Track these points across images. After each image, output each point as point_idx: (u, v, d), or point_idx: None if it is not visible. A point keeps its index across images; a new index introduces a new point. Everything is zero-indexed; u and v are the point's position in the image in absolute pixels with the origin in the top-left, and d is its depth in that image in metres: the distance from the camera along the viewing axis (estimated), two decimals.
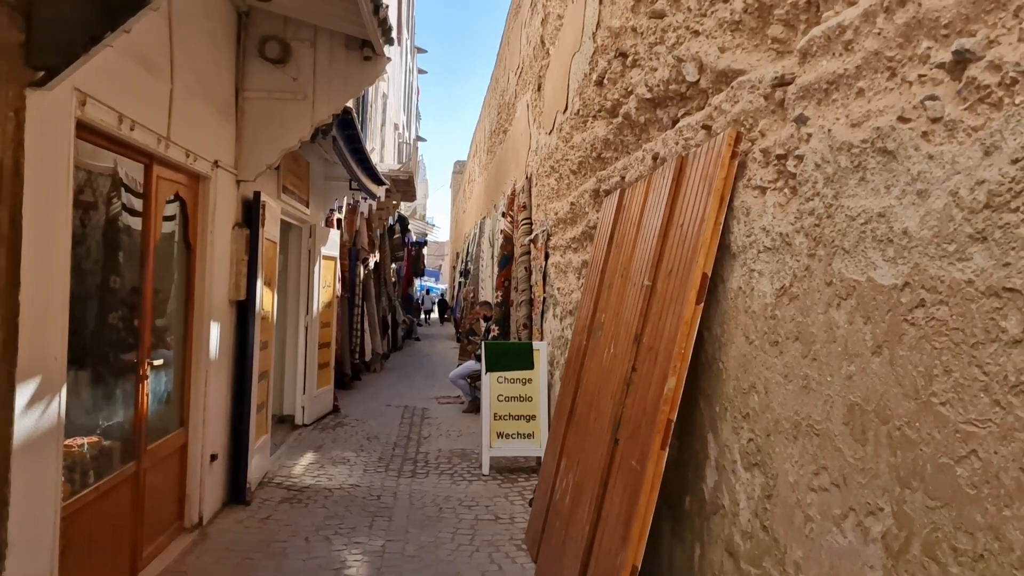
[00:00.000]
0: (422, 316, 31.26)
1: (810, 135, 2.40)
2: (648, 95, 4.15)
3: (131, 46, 3.60)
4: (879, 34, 2.03)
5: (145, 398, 4.22)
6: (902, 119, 1.92)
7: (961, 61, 1.71)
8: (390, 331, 16.65)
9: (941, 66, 1.78)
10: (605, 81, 5.23)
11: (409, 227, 20.36)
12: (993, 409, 1.56)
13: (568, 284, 6.54)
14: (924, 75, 1.85)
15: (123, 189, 3.99)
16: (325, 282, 9.39)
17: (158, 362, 4.42)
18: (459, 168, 41.93)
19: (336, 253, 9.90)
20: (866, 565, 1.97)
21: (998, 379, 1.55)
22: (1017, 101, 1.55)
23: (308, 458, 7.26)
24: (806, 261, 2.37)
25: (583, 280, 5.57)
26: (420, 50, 32.49)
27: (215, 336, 5.18)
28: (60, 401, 3.08)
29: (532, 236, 8.63)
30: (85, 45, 2.80)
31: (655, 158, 4.12)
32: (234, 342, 5.63)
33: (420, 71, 33.68)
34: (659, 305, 3.30)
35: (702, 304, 2.97)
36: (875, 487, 1.96)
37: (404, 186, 13.31)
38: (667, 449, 2.96)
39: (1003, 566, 1.51)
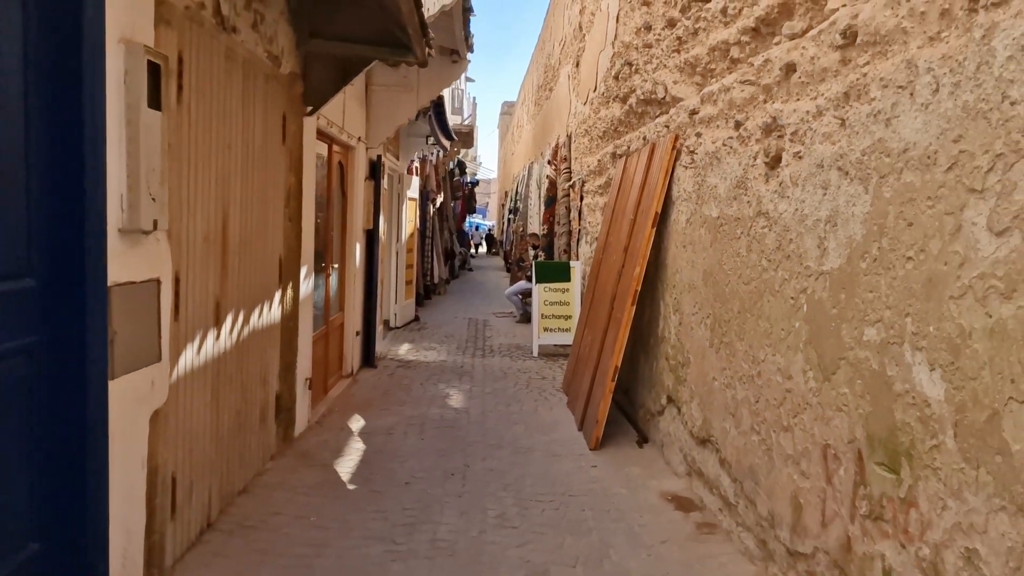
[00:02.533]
0: (473, 249, 33.99)
1: (701, 142, 4.89)
2: (642, 96, 6.61)
3: None
4: (715, 103, 4.52)
5: (328, 290, 6.91)
6: (724, 144, 4.41)
7: (740, 124, 4.19)
8: (451, 261, 19.35)
9: (736, 125, 4.26)
10: (619, 77, 7.66)
11: (466, 170, 22.87)
12: (747, 271, 4.10)
13: (596, 219, 9.05)
14: (729, 125, 4.34)
15: (318, 162, 6.61)
16: (408, 218, 12.04)
17: (335, 266, 7.12)
18: (507, 109, 43.86)
19: (416, 195, 12.53)
20: (703, 340, 4.56)
21: (745, 257, 4.09)
22: (746, 148, 4.05)
23: (406, 347, 10.02)
24: (694, 206, 4.90)
25: (602, 215, 8.09)
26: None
27: (357, 253, 7.85)
28: (309, 282, 5.77)
29: (571, 182, 11.13)
30: (328, 95, 5.38)
31: (643, 139, 6.60)
32: (365, 257, 8.31)
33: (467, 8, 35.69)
34: (636, 229, 5.84)
35: (655, 228, 5.50)
36: (708, 306, 4.53)
37: (465, 137, 15.80)
38: (635, 305, 5.54)
39: (756, 333, 4.08)
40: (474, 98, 24.60)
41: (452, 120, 15.37)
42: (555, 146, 13.05)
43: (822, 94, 3.18)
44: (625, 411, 6.45)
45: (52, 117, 2.42)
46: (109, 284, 2.66)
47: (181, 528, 3.50)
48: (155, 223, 2.89)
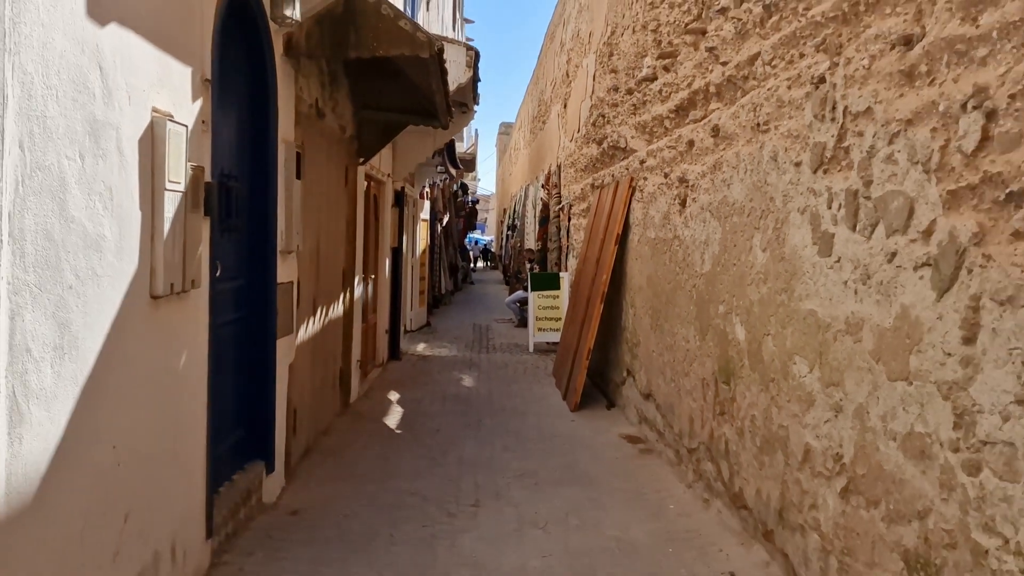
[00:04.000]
0: (472, 263, 35.93)
1: (646, 185, 6.82)
2: (611, 143, 8.55)
3: None
4: (655, 157, 6.46)
5: (367, 295, 8.81)
6: (658, 188, 6.34)
7: (667, 175, 6.12)
8: (455, 274, 21.29)
9: (665, 176, 6.19)
10: (596, 124, 9.61)
11: (468, 191, 24.85)
12: (669, 275, 6.03)
13: (579, 237, 10.97)
14: (661, 175, 6.28)
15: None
16: (421, 236, 13.97)
17: (372, 276, 9.03)
18: (504, 129, 45.94)
19: (427, 217, 14.47)
20: (647, 325, 6.47)
21: (668, 266, 6.01)
22: (670, 192, 5.99)
23: (422, 345, 11.92)
24: (642, 230, 6.83)
25: (583, 235, 10.02)
26: (468, 20, 36.57)
27: (386, 265, 9.77)
28: (360, 288, 7.67)
29: (560, 205, 13.08)
30: (375, 150, 7.32)
31: (612, 176, 8.53)
32: (391, 269, 10.22)
33: (467, 20, 37.68)
34: (604, 246, 7.76)
35: (617, 245, 7.43)
36: (650, 301, 6.45)
37: (468, 163, 17.75)
38: (603, 304, 7.46)
39: (673, 317, 6.00)
40: (476, 129, 26.59)
41: (458, 149, 17.33)
42: (548, 173, 15.01)
43: (705, 163, 5.11)
44: (598, 386, 8.36)
45: (256, 185, 4.34)
46: (279, 281, 4.58)
47: (297, 444, 5.39)
48: (297, 247, 4.81)
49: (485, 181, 64.84)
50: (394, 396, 8.01)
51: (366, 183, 8.53)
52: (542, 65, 18.27)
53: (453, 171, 14.63)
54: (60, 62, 2.23)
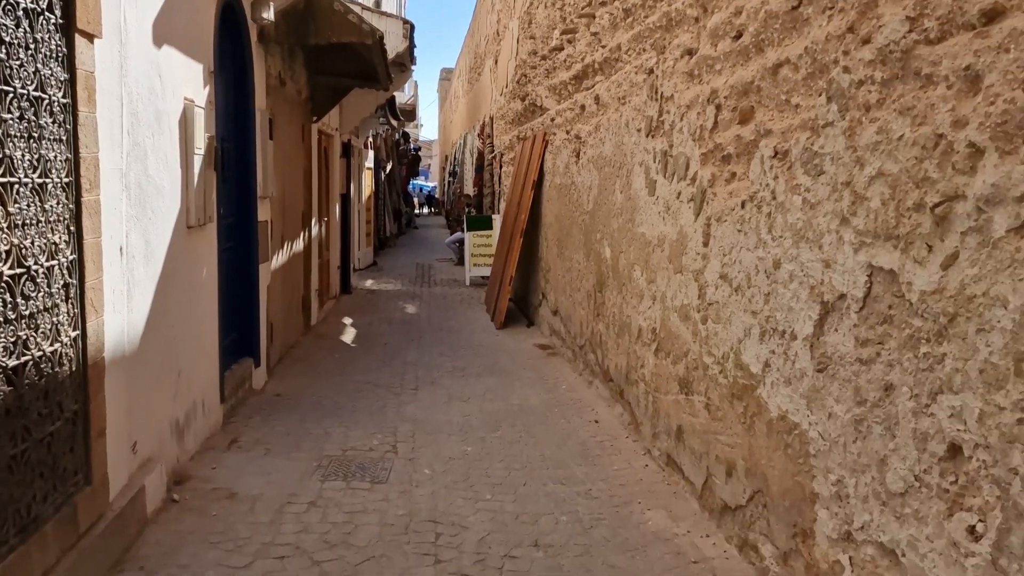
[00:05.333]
0: (416, 208, 37.05)
1: (554, 139, 8.25)
2: (530, 101, 9.93)
3: None
4: (560, 116, 7.90)
5: (320, 236, 10.11)
6: (562, 142, 7.78)
7: (568, 131, 7.57)
8: (399, 219, 22.53)
9: (567, 132, 7.63)
10: (520, 82, 10.96)
11: (410, 139, 25.91)
12: (568, 213, 7.52)
13: (509, 183, 12.38)
14: (563, 132, 7.73)
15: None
16: (367, 184, 15.19)
17: (325, 219, 10.33)
18: (445, 76, 46.64)
19: (372, 165, 15.68)
20: (555, 254, 7.99)
21: (567, 206, 7.51)
22: (569, 146, 7.46)
23: (370, 282, 13.28)
24: (551, 177, 8.30)
25: (510, 181, 11.44)
26: None
27: (336, 210, 11.05)
28: (314, 229, 8.98)
29: (493, 154, 14.44)
30: (327, 109, 8.58)
31: (531, 130, 9.93)
32: (341, 212, 11.51)
33: None
34: (524, 191, 9.21)
35: (534, 190, 8.88)
36: (556, 235, 7.96)
37: (408, 114, 18.89)
38: (523, 239, 8.94)
39: (570, 245, 7.52)
40: (416, 82, 27.46)
41: (398, 99, 18.44)
42: (482, 123, 16.31)
43: (591, 124, 6.57)
44: (521, 310, 9.91)
45: (240, 145, 5.65)
46: (260, 219, 5.92)
47: (274, 350, 6.79)
48: (271, 194, 6.14)
49: (428, 128, 65.39)
50: (348, 321, 9.42)
51: (318, 138, 9.78)
52: (477, 19, 19.38)
53: (394, 123, 15.81)
54: (143, 77, 3.56)
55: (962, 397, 2.04)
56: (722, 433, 3.62)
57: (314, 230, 8.90)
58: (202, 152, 4.40)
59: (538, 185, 8.95)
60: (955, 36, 2.10)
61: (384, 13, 7.76)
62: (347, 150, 11.54)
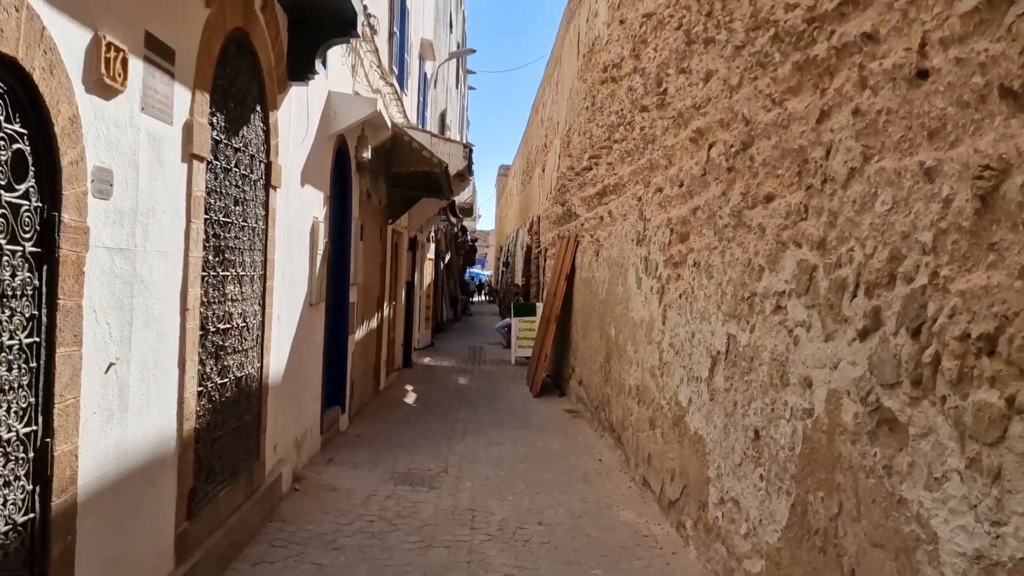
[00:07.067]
0: (471, 296, 39.27)
1: (582, 240, 10.12)
2: (568, 208, 11.89)
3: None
4: (587, 223, 9.80)
5: (385, 316, 12.06)
6: (588, 243, 9.65)
7: (592, 235, 9.44)
8: (455, 305, 24.59)
9: (590, 236, 9.50)
10: (560, 190, 12.97)
11: (467, 232, 28.26)
12: (588, 301, 9.32)
13: (549, 275, 14.25)
14: (589, 235, 9.61)
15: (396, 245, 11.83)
16: (427, 273, 17.28)
17: (392, 303, 12.31)
18: (503, 171, 49.66)
19: (432, 256, 17.81)
20: (580, 335, 9.74)
21: (589, 296, 9.31)
22: (592, 246, 9.32)
23: (428, 359, 15.15)
24: (580, 272, 10.13)
25: (550, 273, 13.32)
26: (470, 72, 40.43)
27: (401, 297, 13.04)
28: (386, 310, 10.94)
29: (539, 249, 16.40)
30: (400, 214, 10.66)
31: (568, 231, 11.84)
32: (406, 297, 13.50)
33: (469, 71, 41.52)
34: (559, 282, 11.05)
35: (566, 281, 10.71)
36: (581, 320, 9.73)
37: (466, 211, 21.15)
38: (557, 322, 10.72)
39: (589, 327, 9.29)
40: (474, 183, 30.15)
41: (457, 199, 20.73)
42: (531, 221, 18.37)
43: (607, 231, 8.42)
44: (555, 382, 11.62)
45: (340, 245, 7.64)
46: (350, 301, 7.86)
47: (353, 404, 8.62)
48: (360, 281, 8.11)
49: (486, 218, 68.52)
50: (409, 388, 11.25)
51: (392, 235, 11.88)
52: (530, 130, 21.77)
53: (454, 219, 18.00)
54: (294, 206, 5.55)
55: (756, 403, 3.73)
56: (669, 452, 5.28)
57: (385, 311, 10.86)
58: (321, 253, 6.37)
59: (570, 278, 10.78)
60: (756, 208, 3.89)
61: (449, 139, 9.85)
62: (413, 244, 13.62)
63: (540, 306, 14.85)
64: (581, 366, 9.70)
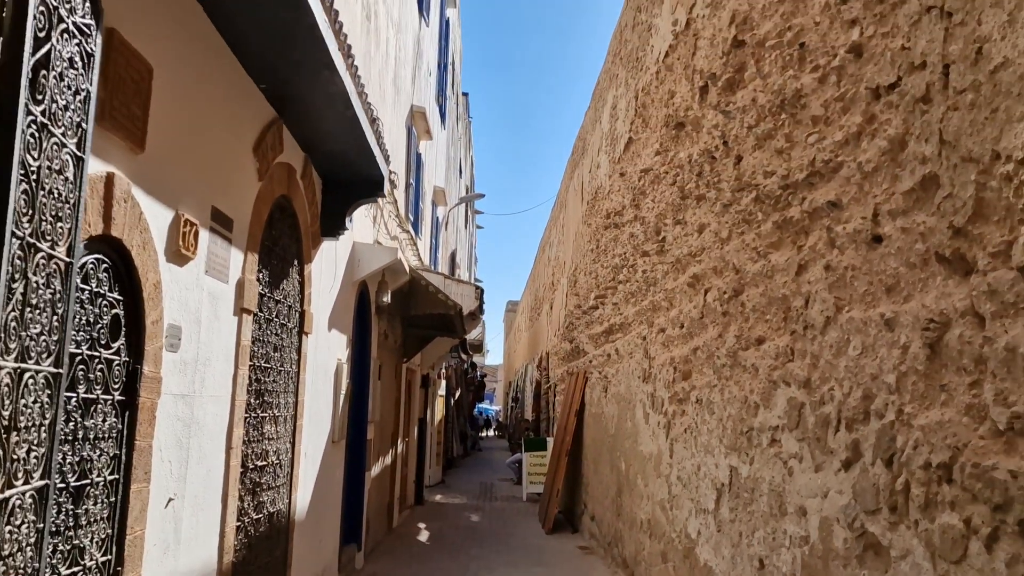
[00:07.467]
0: (481, 432, 39.10)
1: (591, 376, 10.46)
2: (576, 344, 12.30)
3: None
4: (595, 360, 10.18)
5: (399, 453, 12.24)
6: (596, 379, 9.98)
7: (600, 371, 9.79)
8: (465, 441, 24.59)
9: (599, 372, 9.85)
10: (568, 328, 13.41)
11: (476, 367, 28.62)
12: (598, 436, 9.56)
13: (559, 411, 14.48)
14: (598, 371, 9.97)
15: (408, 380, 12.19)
16: (439, 409, 17.50)
17: (406, 439, 12.51)
18: (511, 307, 50.59)
19: (443, 392, 18.09)
20: (591, 471, 9.90)
21: (599, 431, 9.57)
22: (601, 382, 9.65)
23: (439, 496, 15.13)
24: (589, 407, 10.41)
25: (560, 408, 13.56)
26: (478, 211, 42.14)
27: (414, 433, 13.24)
28: (400, 447, 11.15)
29: (548, 384, 16.70)
30: (414, 353, 11.07)
31: (577, 367, 12.19)
32: (418, 436, 13.68)
33: (477, 211, 43.17)
34: (569, 417, 11.30)
35: (576, 416, 10.97)
36: (592, 455, 9.92)
37: (476, 347, 21.58)
38: (568, 457, 10.89)
39: (599, 462, 9.48)
40: (484, 320, 30.93)
41: (468, 337, 21.22)
42: (540, 357, 18.75)
43: (614, 368, 8.77)
44: (568, 518, 11.62)
45: (359, 385, 8.00)
46: (367, 438, 8.14)
47: (368, 542, 8.70)
48: (377, 418, 8.41)
49: (494, 353, 68.96)
50: (421, 525, 11.28)
51: (406, 373, 12.25)
52: (537, 268, 22.55)
53: (464, 356, 18.40)
54: (322, 349, 5.97)
55: (759, 532, 3.98)
56: None
57: (399, 448, 11.06)
58: (344, 392, 6.73)
59: (580, 413, 11.04)
60: (750, 349, 4.28)
61: (460, 280, 10.43)
62: (426, 382, 13.96)
63: (551, 441, 14.99)
64: (593, 501, 9.80)
